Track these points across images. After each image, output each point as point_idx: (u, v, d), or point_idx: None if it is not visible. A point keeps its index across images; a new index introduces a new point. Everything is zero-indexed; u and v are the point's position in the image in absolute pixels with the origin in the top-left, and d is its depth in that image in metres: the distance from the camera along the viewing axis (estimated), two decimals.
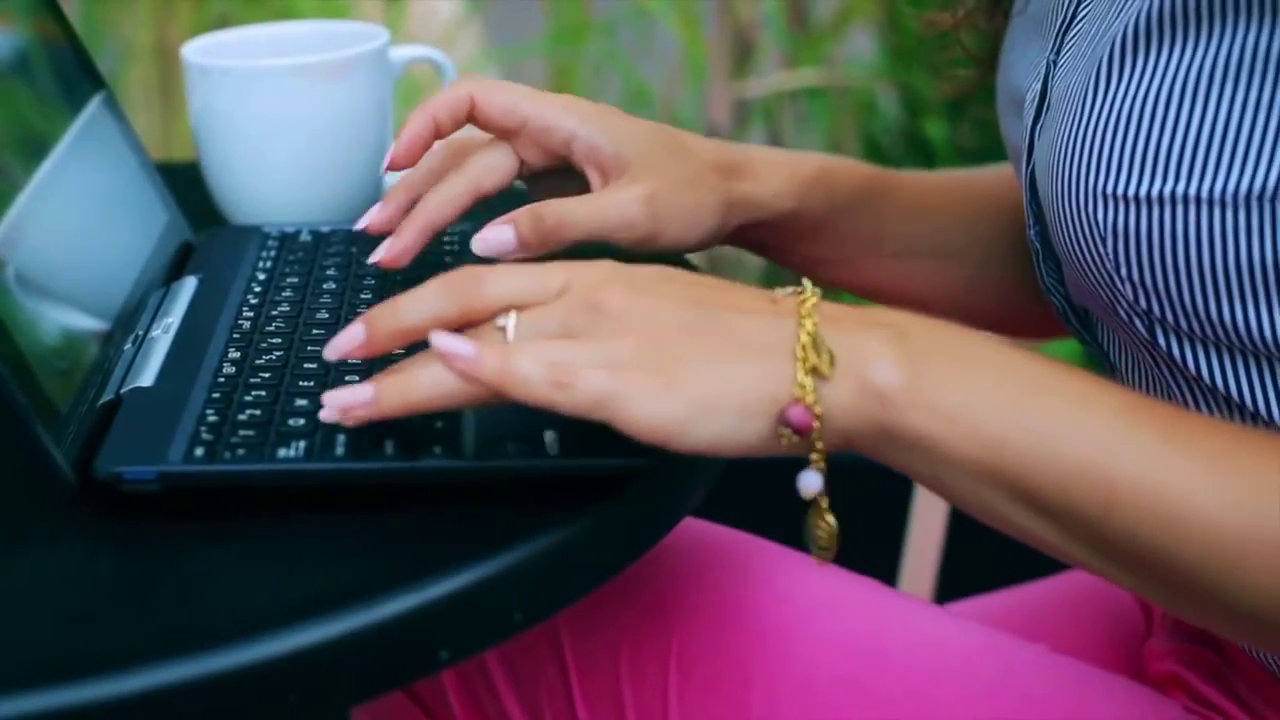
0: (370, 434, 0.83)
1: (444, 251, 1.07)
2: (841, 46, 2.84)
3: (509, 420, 0.83)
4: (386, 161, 1.02)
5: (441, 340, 0.79)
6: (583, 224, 0.99)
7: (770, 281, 2.35)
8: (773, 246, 1.11)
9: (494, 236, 0.97)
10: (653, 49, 2.97)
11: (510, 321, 0.81)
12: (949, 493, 0.81)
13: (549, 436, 0.84)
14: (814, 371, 0.79)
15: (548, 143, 1.02)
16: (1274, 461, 0.78)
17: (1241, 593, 0.77)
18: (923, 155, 2.63)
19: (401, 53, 1.23)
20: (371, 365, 0.88)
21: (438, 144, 1.03)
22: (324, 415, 0.81)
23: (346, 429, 0.84)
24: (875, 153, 2.71)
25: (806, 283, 0.82)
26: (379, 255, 0.99)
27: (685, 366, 0.79)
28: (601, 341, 0.80)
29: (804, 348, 0.79)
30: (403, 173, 1.04)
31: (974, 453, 0.78)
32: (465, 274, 0.83)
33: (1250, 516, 0.77)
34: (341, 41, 1.21)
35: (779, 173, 1.08)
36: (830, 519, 0.83)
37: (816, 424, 0.78)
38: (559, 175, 1.04)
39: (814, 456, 0.80)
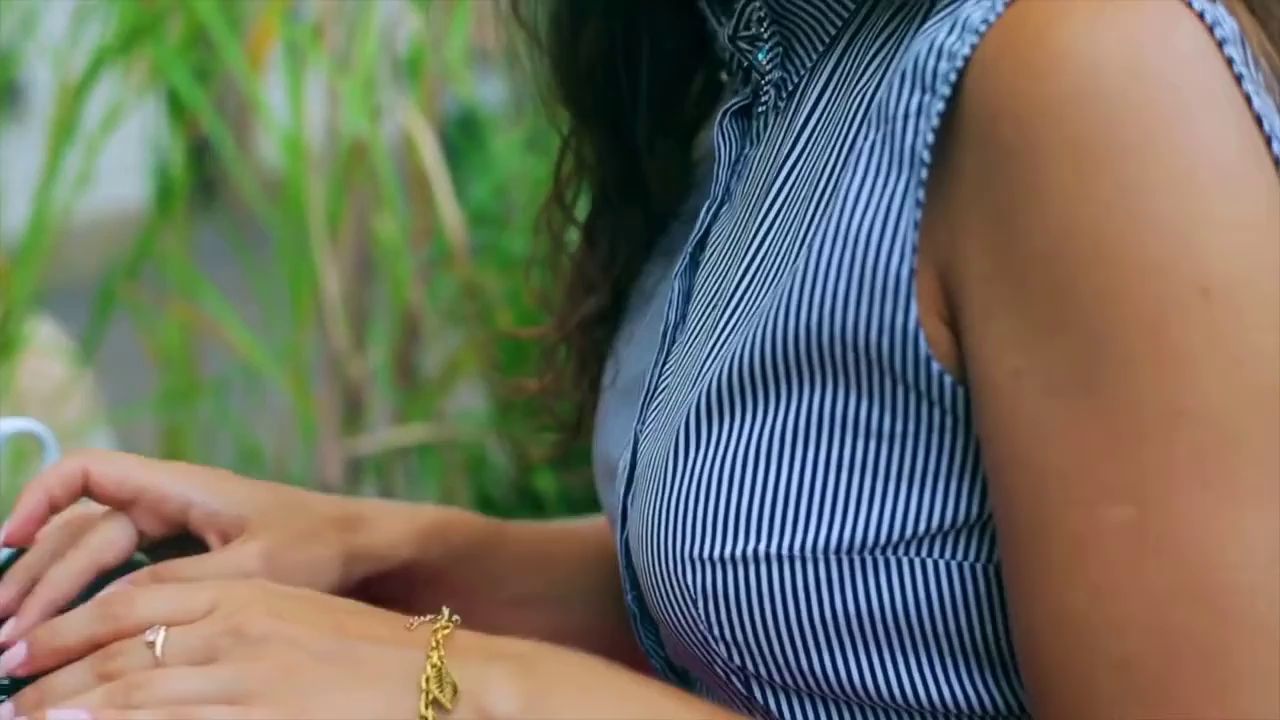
0: None
1: None
2: (451, 401, 2.88)
3: None
4: (2, 538, 1.02)
5: (58, 717, 0.82)
6: None
7: None
8: (399, 598, 1.13)
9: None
10: (264, 408, 2.97)
11: (159, 638, 0.86)
12: None
13: None
14: (435, 703, 0.83)
15: (164, 511, 1.05)
16: None
17: None
18: (534, 508, 2.66)
19: (1, 426, 1.23)
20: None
21: (55, 519, 1.04)
22: None
23: None
24: (487, 506, 2.73)
25: (445, 610, 0.86)
26: (3, 637, 0.99)
27: (314, 696, 0.83)
28: (236, 667, 0.84)
29: (428, 680, 0.83)
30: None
31: None
32: (119, 596, 0.89)
33: None
34: None
35: (396, 523, 1.11)
36: None
37: None
38: (180, 541, 1.06)
39: None
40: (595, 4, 1.12)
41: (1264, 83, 0.87)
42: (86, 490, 1.05)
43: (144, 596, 0.89)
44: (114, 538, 1.04)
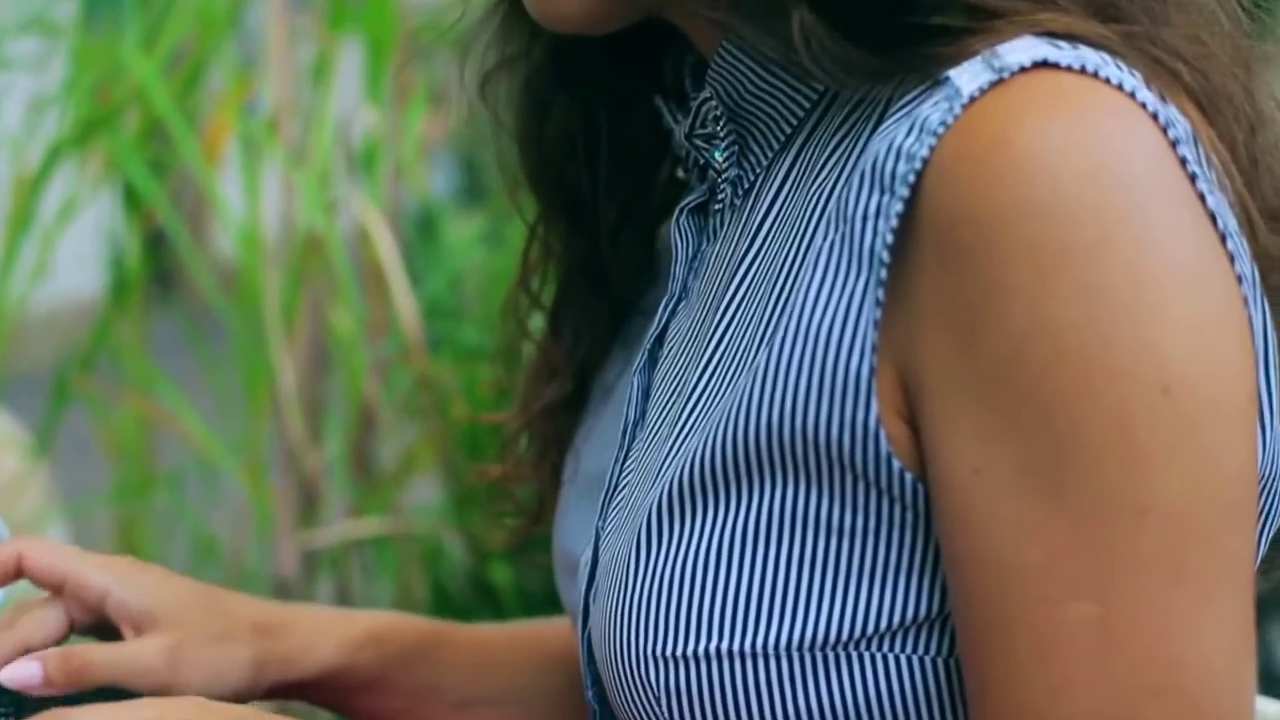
0: None
1: None
2: (407, 494, 2.87)
3: None
4: None
5: None
6: (104, 668, 1.05)
7: None
8: (330, 702, 1.15)
9: (22, 671, 1.03)
10: (220, 500, 2.96)
11: None
12: None
13: None
14: None
15: (86, 600, 1.09)
16: None
17: None
18: (489, 601, 2.66)
19: None
20: None
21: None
22: None
23: None
24: (443, 599, 2.72)
25: None
26: None
27: None
28: None
29: None
30: None
31: None
32: (53, 715, 0.88)
33: None
34: None
35: (323, 632, 1.13)
36: None
37: None
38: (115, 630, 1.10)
39: None
40: (556, 93, 1.13)
41: (1216, 180, 0.88)
42: (21, 574, 1.10)
43: (81, 717, 0.89)
44: (43, 619, 1.09)
